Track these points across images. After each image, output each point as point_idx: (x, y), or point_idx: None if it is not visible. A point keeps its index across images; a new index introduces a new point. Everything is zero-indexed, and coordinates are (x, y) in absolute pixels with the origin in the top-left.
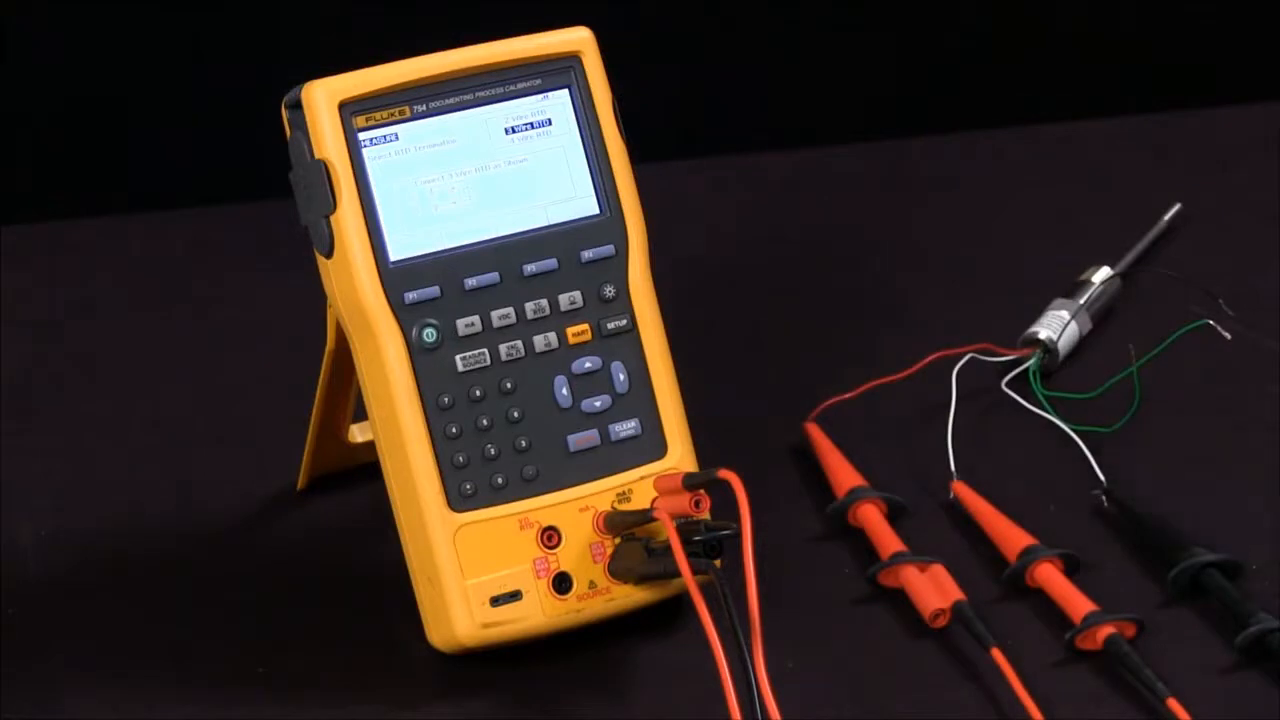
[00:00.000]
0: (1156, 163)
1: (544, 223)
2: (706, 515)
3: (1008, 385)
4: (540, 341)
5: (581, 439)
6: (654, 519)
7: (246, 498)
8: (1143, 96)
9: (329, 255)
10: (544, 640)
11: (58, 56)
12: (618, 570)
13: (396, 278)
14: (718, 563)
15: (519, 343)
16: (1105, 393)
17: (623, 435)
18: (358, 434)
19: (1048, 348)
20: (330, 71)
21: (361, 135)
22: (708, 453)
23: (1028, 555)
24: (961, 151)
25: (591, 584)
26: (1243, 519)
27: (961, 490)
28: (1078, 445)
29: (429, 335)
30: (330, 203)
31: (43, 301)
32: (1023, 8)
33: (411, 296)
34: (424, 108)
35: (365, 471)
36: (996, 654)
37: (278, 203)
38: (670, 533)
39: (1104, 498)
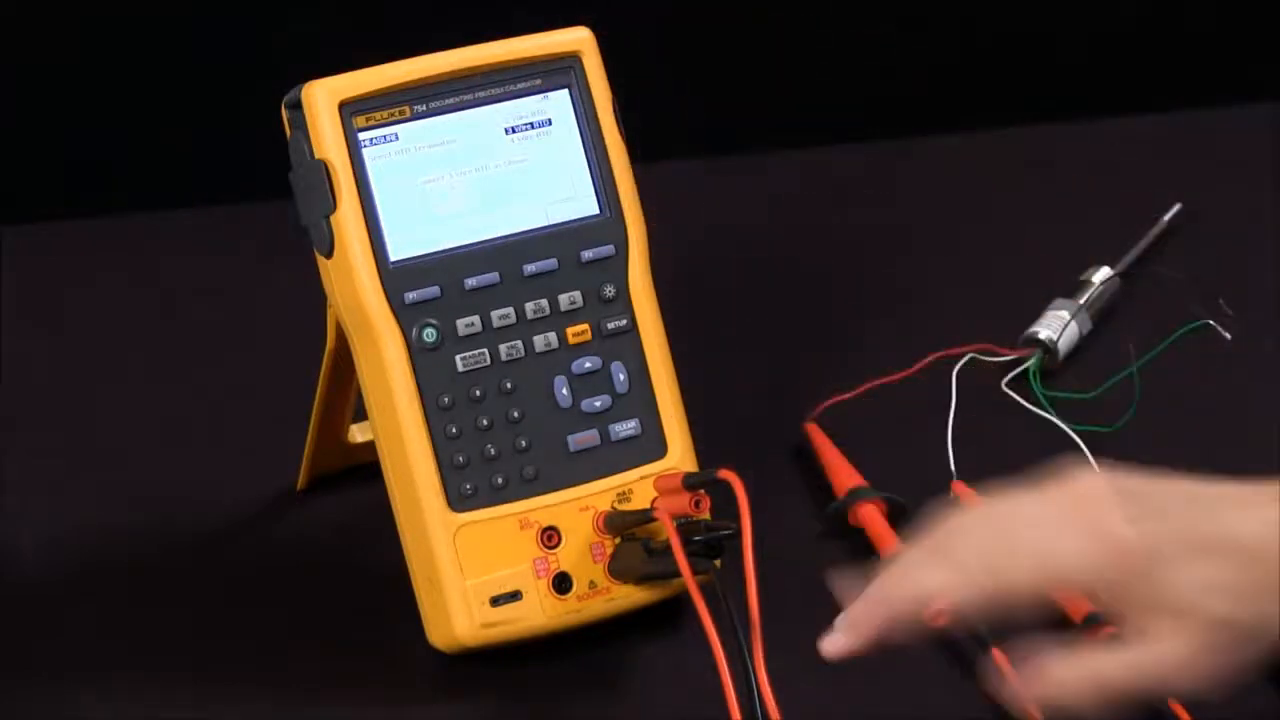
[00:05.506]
0: (1156, 163)
1: (544, 223)
2: (706, 515)
3: (1008, 385)
4: (540, 341)
5: (581, 439)
6: (654, 519)
7: (246, 498)
8: (1143, 96)
9: (329, 255)
10: (544, 640)
11: (58, 56)
12: (618, 570)
13: (396, 278)
14: (718, 563)
15: (519, 343)
16: (1105, 393)
17: (623, 435)
18: (358, 434)
19: (1048, 348)
20: (330, 71)
21: (361, 135)
22: (708, 453)
23: None
24: (961, 151)
25: (591, 584)
26: None
27: (961, 490)
28: (1078, 445)
29: (429, 335)
30: (330, 203)
31: (43, 301)
32: (1024, 8)
33: (411, 296)
34: (424, 108)
35: (365, 471)
36: (996, 654)
37: (278, 203)
38: (670, 533)
39: None
